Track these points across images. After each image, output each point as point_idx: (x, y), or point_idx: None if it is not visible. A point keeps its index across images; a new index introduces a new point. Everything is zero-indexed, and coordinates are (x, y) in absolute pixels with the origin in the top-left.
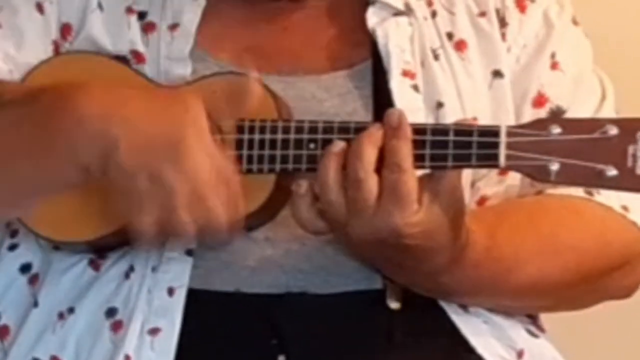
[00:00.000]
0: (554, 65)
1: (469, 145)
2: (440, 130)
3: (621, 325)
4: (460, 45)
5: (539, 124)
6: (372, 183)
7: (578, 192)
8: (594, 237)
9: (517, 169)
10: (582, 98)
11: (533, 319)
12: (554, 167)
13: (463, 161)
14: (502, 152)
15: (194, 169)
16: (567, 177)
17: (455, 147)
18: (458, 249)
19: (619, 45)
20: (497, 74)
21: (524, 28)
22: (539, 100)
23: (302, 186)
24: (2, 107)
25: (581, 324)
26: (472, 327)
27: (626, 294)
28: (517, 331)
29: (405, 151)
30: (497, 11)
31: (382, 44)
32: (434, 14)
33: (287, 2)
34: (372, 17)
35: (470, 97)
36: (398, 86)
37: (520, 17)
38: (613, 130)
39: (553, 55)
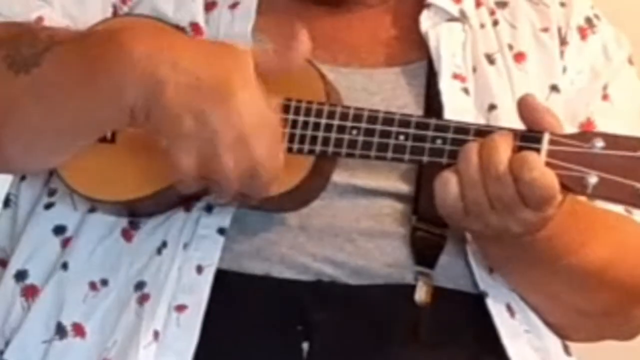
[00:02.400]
0: (605, 97)
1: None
2: (483, 131)
3: None
4: (518, 57)
5: (583, 136)
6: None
7: (617, 208)
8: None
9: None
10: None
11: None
12: (593, 180)
13: None
14: (542, 159)
15: (239, 111)
16: (604, 192)
17: None
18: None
19: None
20: (554, 88)
21: (583, 55)
22: (587, 126)
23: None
24: (54, 45)
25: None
26: (513, 334)
27: (636, 332)
28: (555, 345)
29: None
30: (559, 29)
31: (433, 46)
32: (495, 23)
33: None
34: (426, 20)
35: None
36: (447, 88)
37: (580, 44)
38: None
39: (605, 87)
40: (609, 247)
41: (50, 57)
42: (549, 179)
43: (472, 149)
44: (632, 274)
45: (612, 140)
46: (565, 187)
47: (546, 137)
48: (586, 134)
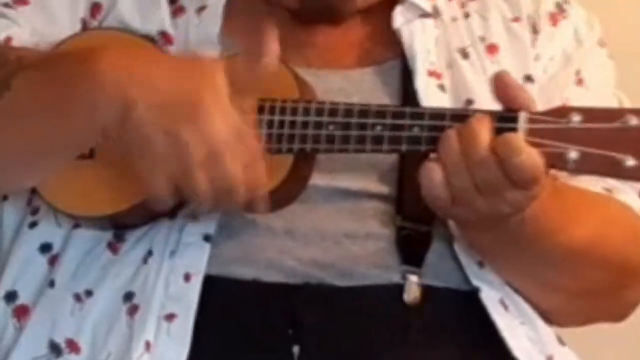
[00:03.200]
0: (579, 82)
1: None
2: (459, 115)
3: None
4: (491, 49)
5: (559, 112)
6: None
7: (596, 188)
8: (628, 225)
9: None
10: None
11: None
12: (573, 155)
13: None
14: (521, 138)
15: (210, 128)
16: (586, 166)
17: None
18: None
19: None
20: (528, 78)
21: (554, 41)
22: None
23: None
24: (25, 69)
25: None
26: (511, 326)
27: (626, 313)
28: (549, 335)
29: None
30: (529, 18)
31: (407, 44)
32: (466, 16)
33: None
34: (398, 17)
35: None
36: (424, 86)
37: (552, 30)
38: (633, 121)
39: (578, 72)
40: (594, 225)
41: (20, 80)
42: (536, 159)
43: (452, 136)
44: (618, 251)
45: (589, 114)
46: (547, 164)
47: (523, 116)
48: (562, 109)
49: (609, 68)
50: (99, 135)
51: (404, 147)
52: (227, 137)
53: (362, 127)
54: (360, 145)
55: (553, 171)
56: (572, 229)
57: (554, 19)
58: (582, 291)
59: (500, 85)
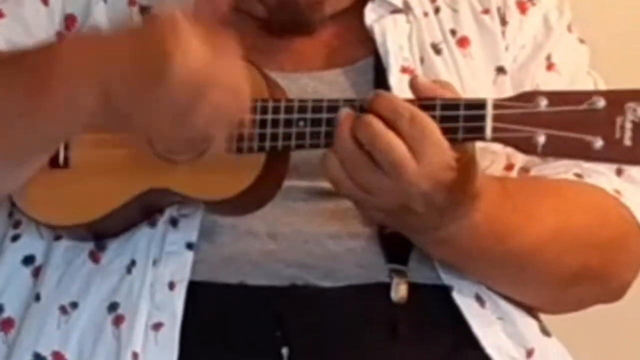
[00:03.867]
0: (550, 67)
1: (456, 118)
2: (427, 105)
3: (625, 329)
4: (462, 42)
5: (526, 97)
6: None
7: (568, 175)
8: (594, 207)
9: (504, 141)
10: None
11: (538, 320)
12: (541, 139)
13: (450, 134)
14: (489, 124)
15: (186, 68)
16: (554, 149)
17: (442, 120)
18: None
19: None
20: (501, 70)
21: (524, 29)
22: None
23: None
24: None
25: (586, 328)
26: (485, 323)
27: (620, 292)
28: (530, 329)
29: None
30: (499, 9)
31: (379, 41)
32: (437, 10)
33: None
34: (370, 13)
35: (474, 92)
36: (397, 82)
37: (521, 18)
38: (601, 102)
39: (549, 57)
40: (555, 215)
41: None
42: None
43: (345, 122)
44: (588, 234)
45: (556, 97)
46: (517, 149)
47: (490, 102)
48: (528, 94)
49: (582, 51)
50: (84, 121)
51: None
52: (207, 68)
53: (332, 122)
54: (331, 140)
55: (522, 156)
56: (530, 225)
57: (522, 7)
58: (565, 280)
59: (415, 91)
